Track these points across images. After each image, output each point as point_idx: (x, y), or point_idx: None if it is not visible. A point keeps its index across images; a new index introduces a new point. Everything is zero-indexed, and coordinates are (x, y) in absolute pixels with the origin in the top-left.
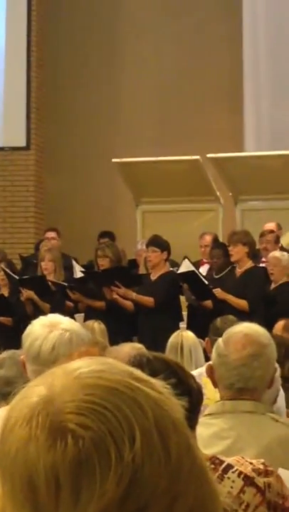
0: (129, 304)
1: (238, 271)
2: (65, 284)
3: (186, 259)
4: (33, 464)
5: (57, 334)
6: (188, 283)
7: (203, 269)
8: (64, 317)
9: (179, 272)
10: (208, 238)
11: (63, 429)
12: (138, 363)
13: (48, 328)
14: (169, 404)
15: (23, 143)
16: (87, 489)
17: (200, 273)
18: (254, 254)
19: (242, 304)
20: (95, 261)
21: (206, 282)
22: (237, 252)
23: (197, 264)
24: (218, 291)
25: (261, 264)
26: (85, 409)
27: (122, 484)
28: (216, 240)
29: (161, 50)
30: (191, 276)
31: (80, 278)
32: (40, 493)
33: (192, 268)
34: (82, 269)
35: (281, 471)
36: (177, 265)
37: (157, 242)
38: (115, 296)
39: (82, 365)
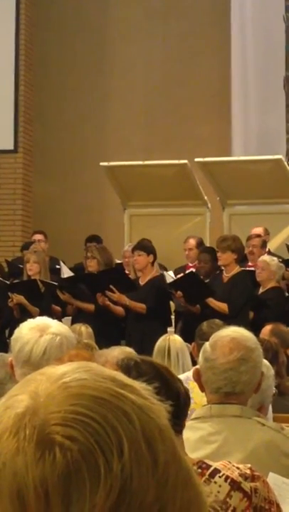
0: (120, 309)
1: (225, 276)
2: (56, 283)
3: (165, 272)
4: (21, 477)
5: (47, 338)
6: (182, 289)
7: None
8: (52, 320)
9: (170, 282)
10: (192, 242)
11: (51, 442)
12: (126, 366)
13: (37, 332)
14: (154, 411)
15: (10, 146)
16: (77, 502)
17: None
18: (242, 259)
19: (222, 306)
20: (84, 262)
21: (205, 282)
22: (225, 258)
23: (183, 269)
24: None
25: (247, 268)
26: (72, 421)
27: (112, 496)
28: (200, 243)
29: (150, 55)
30: (186, 281)
31: (69, 278)
32: (30, 507)
33: (173, 278)
34: (70, 272)
35: (272, 476)
36: (165, 269)
37: (142, 246)
38: (107, 302)
39: (66, 372)
